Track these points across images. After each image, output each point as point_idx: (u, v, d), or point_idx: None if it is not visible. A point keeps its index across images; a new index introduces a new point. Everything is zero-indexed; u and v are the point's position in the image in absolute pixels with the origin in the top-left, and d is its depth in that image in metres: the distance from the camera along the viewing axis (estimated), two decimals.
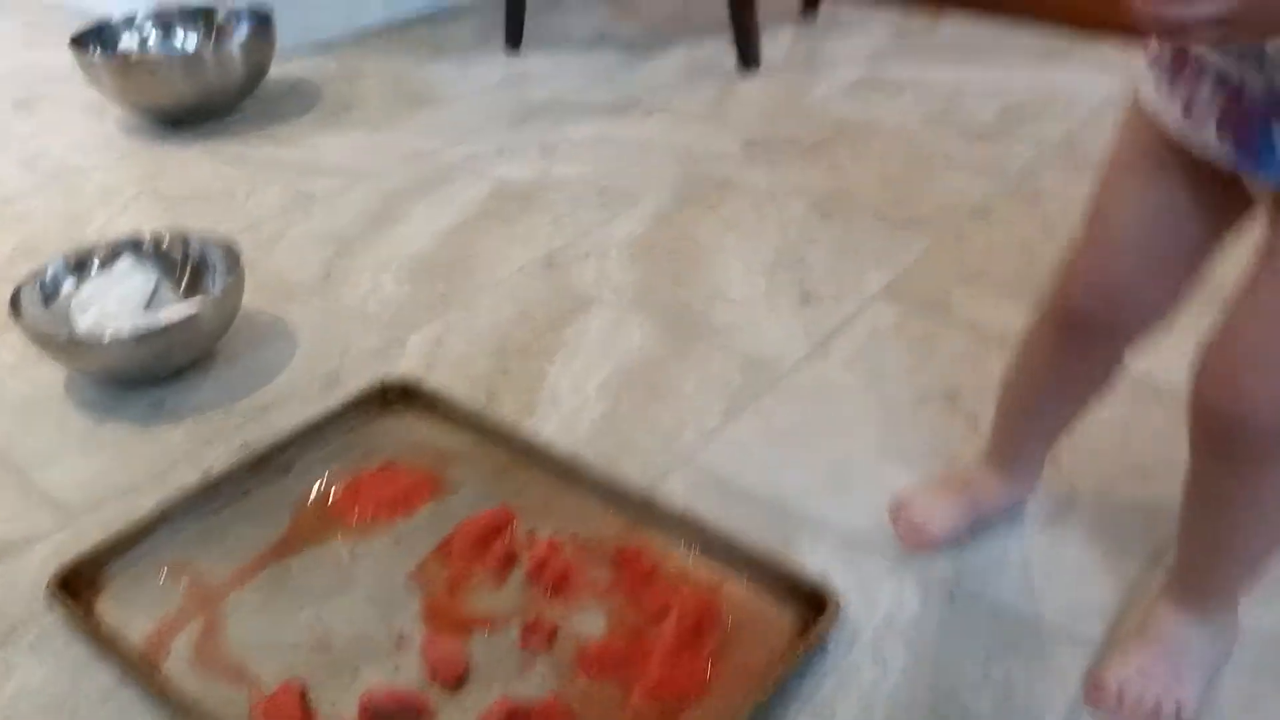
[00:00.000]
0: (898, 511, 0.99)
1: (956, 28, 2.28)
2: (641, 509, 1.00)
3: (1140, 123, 0.75)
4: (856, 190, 1.63)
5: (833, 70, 2.10)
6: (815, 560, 0.96)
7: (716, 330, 1.31)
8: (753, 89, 2.04)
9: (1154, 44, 0.73)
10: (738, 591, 0.91)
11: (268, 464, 1.08)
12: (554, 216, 1.60)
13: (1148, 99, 0.74)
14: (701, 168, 1.73)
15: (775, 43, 2.22)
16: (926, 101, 1.93)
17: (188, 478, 1.09)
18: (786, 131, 1.85)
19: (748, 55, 2.10)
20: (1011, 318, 1.29)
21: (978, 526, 0.98)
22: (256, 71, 1.97)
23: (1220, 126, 0.67)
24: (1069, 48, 2.14)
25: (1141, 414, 1.12)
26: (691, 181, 1.69)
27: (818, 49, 2.22)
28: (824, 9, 2.41)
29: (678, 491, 1.05)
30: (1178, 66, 0.69)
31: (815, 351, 1.26)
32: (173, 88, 1.88)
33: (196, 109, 1.92)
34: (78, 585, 0.94)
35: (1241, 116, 0.66)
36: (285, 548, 0.99)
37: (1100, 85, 1.96)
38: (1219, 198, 0.73)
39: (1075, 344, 0.86)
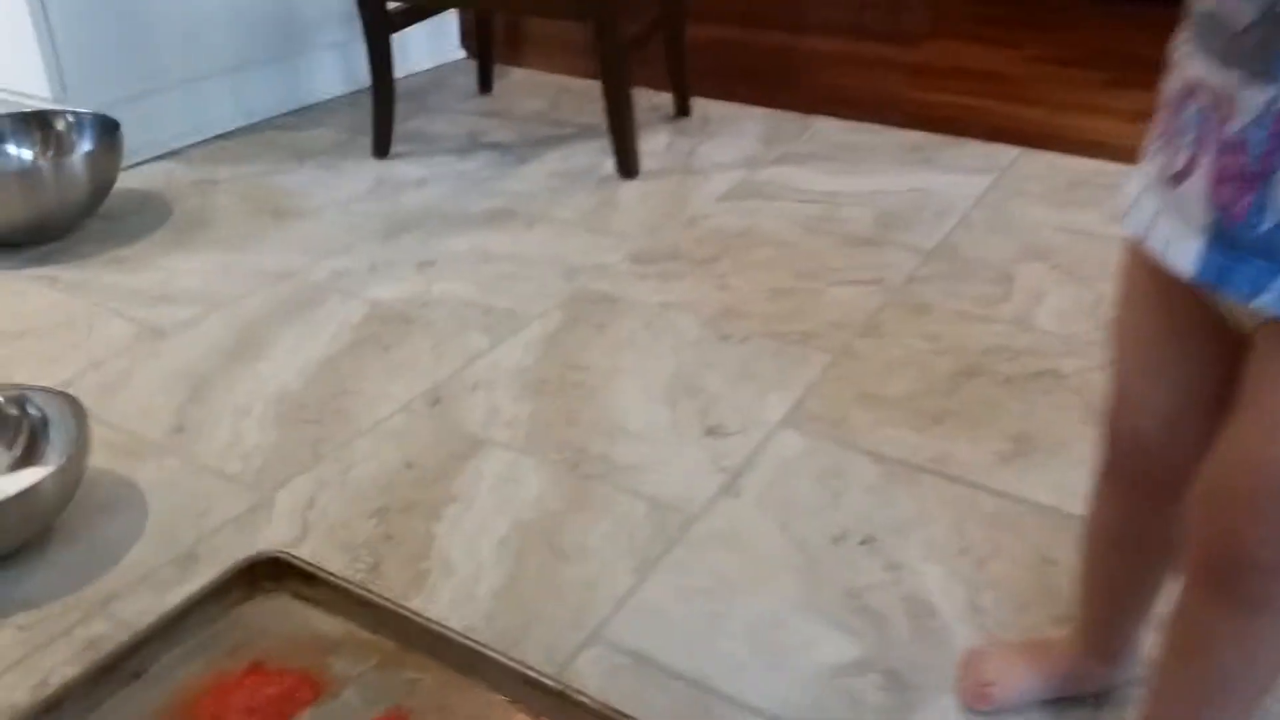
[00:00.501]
0: (968, 666, 0.92)
1: (825, 127, 2.28)
2: (555, 706, 0.89)
3: (1135, 259, 0.72)
4: (746, 306, 1.58)
5: (709, 176, 2.07)
6: None
7: (619, 471, 1.22)
8: (632, 196, 1.98)
9: (1157, 161, 0.67)
10: None
11: (116, 670, 0.93)
12: (435, 342, 1.50)
13: (1136, 227, 0.69)
14: (587, 283, 1.66)
15: (650, 145, 2.18)
16: (804, 208, 1.90)
17: (16, 694, 0.93)
18: (670, 242, 1.79)
19: (627, 164, 2.05)
20: (912, 446, 1.25)
21: (1062, 702, 0.90)
22: (102, 186, 1.82)
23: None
24: (936, 149, 2.16)
25: None
26: (578, 299, 1.61)
27: (693, 152, 2.19)
28: (695, 107, 2.39)
29: (592, 675, 0.94)
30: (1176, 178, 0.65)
31: (725, 489, 1.19)
32: (4, 206, 1.71)
33: (31, 230, 1.76)
34: None
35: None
36: None
37: (969, 186, 1.97)
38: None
39: (1132, 498, 0.81)
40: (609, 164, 2.08)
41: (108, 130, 1.86)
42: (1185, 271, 0.64)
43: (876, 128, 2.27)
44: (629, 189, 2.01)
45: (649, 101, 2.35)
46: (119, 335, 1.52)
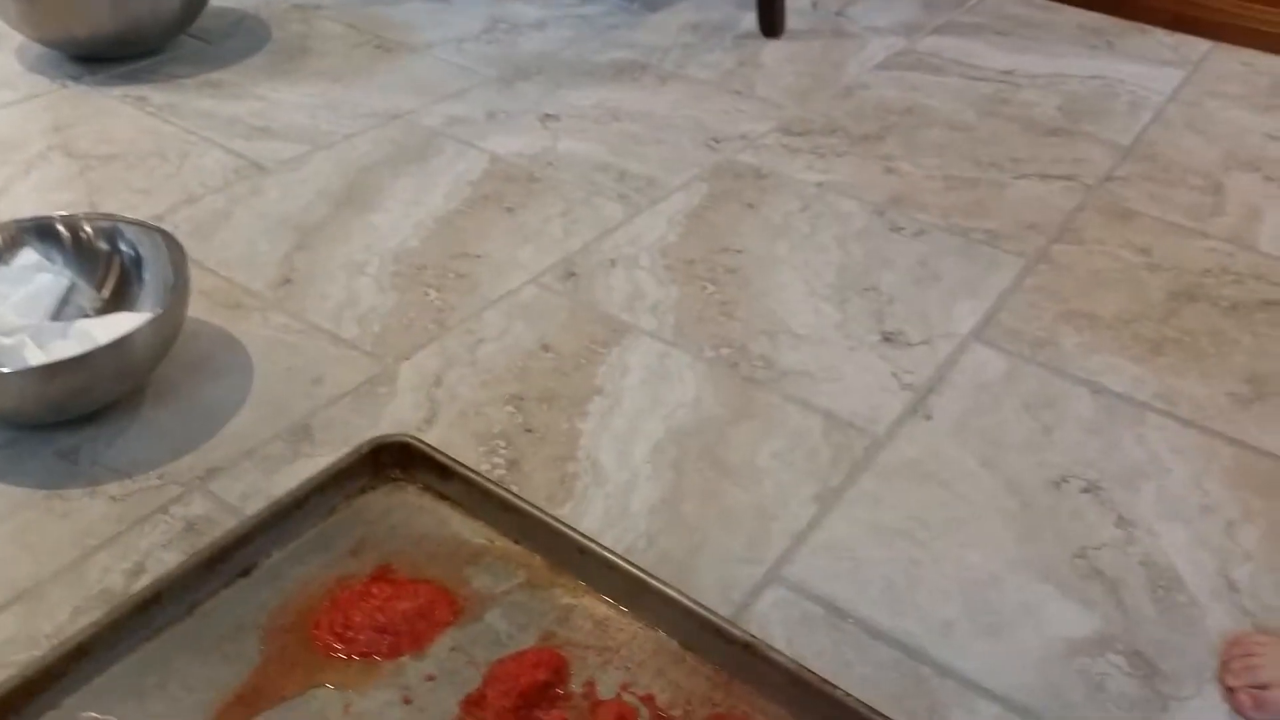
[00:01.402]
0: (1232, 659, 0.76)
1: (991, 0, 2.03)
2: (739, 657, 0.74)
3: None
4: (920, 195, 1.38)
5: (864, 41, 1.84)
6: None
7: (786, 377, 1.05)
8: (778, 58, 1.76)
9: None
10: None
11: (222, 564, 0.80)
12: (565, 206, 1.32)
13: None
14: (732, 154, 1.46)
15: (795, 3, 1.94)
16: (977, 86, 1.68)
17: (111, 577, 0.80)
18: (823, 114, 1.58)
19: (771, 19, 1.82)
20: (1133, 378, 1.07)
21: None
22: (191, 3, 1.63)
23: None
24: (1118, 34, 1.91)
25: None
26: (723, 171, 1.42)
27: (843, 12, 1.95)
28: None
29: (774, 621, 0.80)
30: None
31: (913, 411, 1.02)
32: (90, 15, 1.53)
33: (119, 43, 1.58)
34: None
35: None
36: (253, 697, 0.72)
37: (1159, 79, 1.73)
38: None
39: None
40: (749, 19, 1.85)
41: None
42: None
43: (1050, 3, 2.02)
44: (772, 49, 1.79)
45: None
46: (216, 168, 1.35)
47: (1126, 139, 1.53)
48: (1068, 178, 1.42)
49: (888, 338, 1.12)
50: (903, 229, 1.31)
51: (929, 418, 1.01)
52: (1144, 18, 1.97)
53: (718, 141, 1.50)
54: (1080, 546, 0.87)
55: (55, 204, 1.24)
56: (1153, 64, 1.80)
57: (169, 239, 1.02)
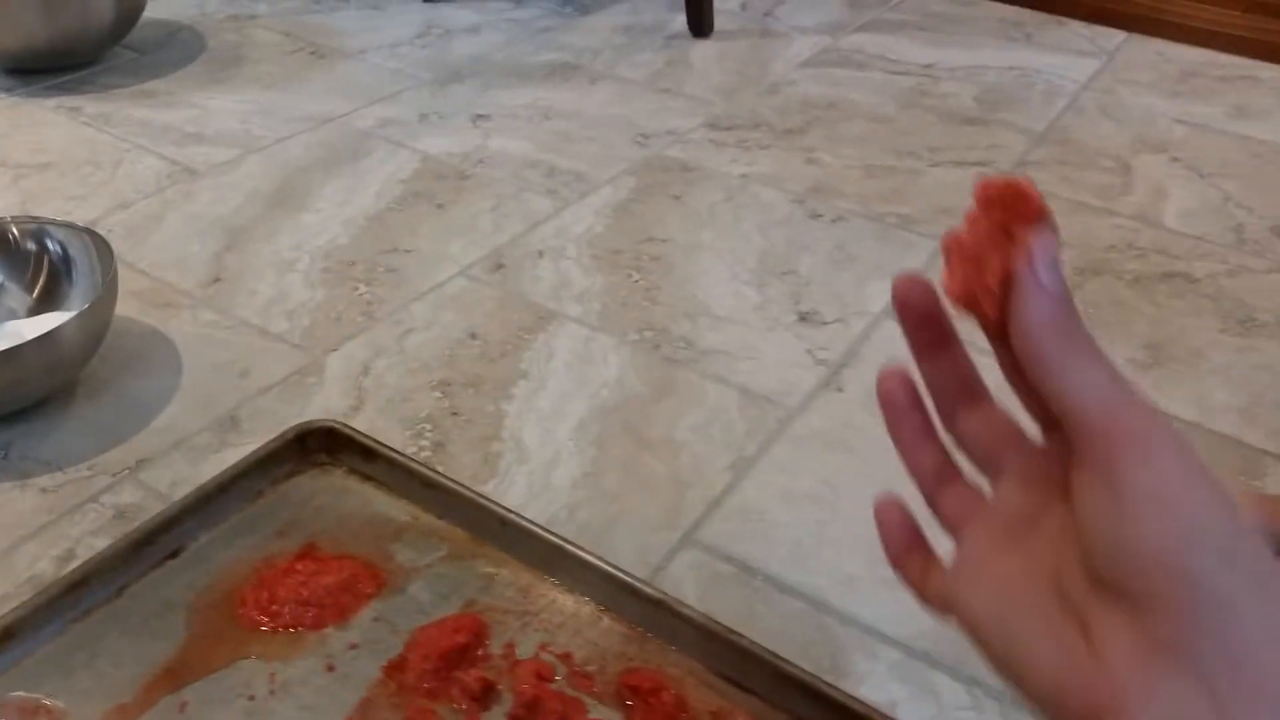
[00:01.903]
0: None
1: None
2: (652, 614, 0.78)
3: None
4: (839, 184, 1.43)
5: (790, 39, 1.89)
6: (875, 686, 0.76)
7: (706, 355, 1.09)
8: (706, 58, 1.81)
9: None
10: None
11: (150, 546, 0.82)
12: (495, 202, 1.35)
13: None
14: (660, 149, 1.50)
15: (724, 3, 1.99)
16: (898, 80, 1.73)
17: (40, 565, 0.82)
18: (749, 109, 1.63)
19: (700, 20, 1.87)
20: None
21: None
22: (128, 10, 1.65)
23: None
24: (1037, 27, 1.98)
25: None
26: (651, 165, 1.46)
27: (771, 13, 2.00)
28: None
29: (690, 582, 0.83)
30: None
31: (826, 384, 1.06)
32: (23, 26, 1.55)
33: (52, 55, 1.60)
34: None
35: None
36: (181, 671, 0.74)
37: (1075, 69, 1.80)
38: None
39: None
40: (679, 21, 1.90)
41: None
42: None
43: (970, 2, 2.08)
44: (701, 49, 1.84)
45: None
46: (149, 174, 1.37)
47: (1041, 125, 1.59)
48: (982, 164, 1.48)
49: (804, 317, 1.16)
50: (821, 216, 1.35)
51: (841, 390, 1.05)
52: (1062, 11, 2.04)
53: (646, 138, 1.53)
54: None
55: None
56: (1069, 54, 1.86)
57: (97, 239, 1.04)
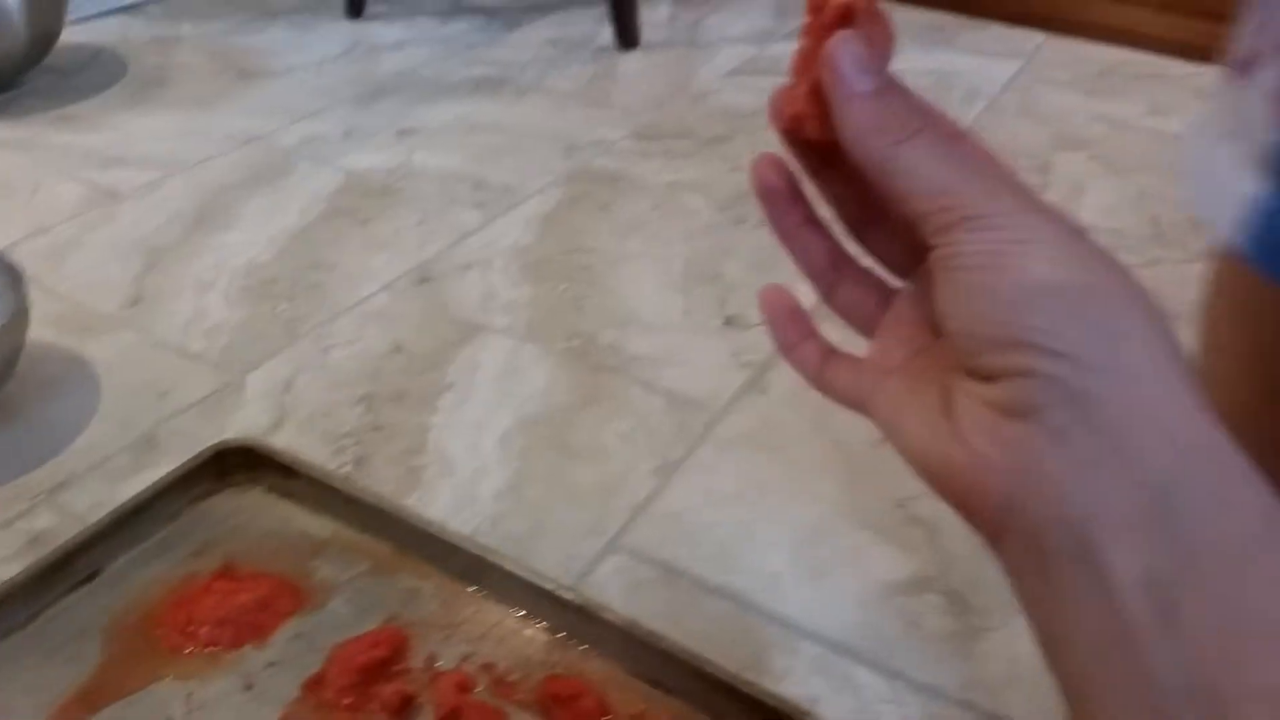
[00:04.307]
0: None
1: None
2: (574, 620, 0.78)
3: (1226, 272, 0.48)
4: None
5: (716, 50, 1.91)
6: (797, 682, 0.76)
7: (632, 362, 1.10)
8: (634, 69, 1.82)
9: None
10: None
11: (65, 570, 0.80)
12: (421, 216, 1.35)
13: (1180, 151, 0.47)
14: (588, 160, 1.51)
15: (652, 17, 2.01)
16: None
17: None
18: (676, 119, 1.64)
19: (627, 32, 1.88)
20: None
21: None
22: (43, 34, 1.62)
23: None
24: (957, 30, 2.02)
25: None
26: (579, 176, 1.46)
27: (698, 24, 2.02)
28: None
29: (615, 587, 0.83)
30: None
31: (750, 385, 1.07)
32: None
33: None
34: None
35: None
36: (95, 695, 0.73)
37: (994, 70, 1.84)
38: None
39: None
40: (606, 33, 1.91)
41: None
42: (1222, 225, 0.43)
43: (894, 5, 2.11)
44: (629, 61, 1.85)
45: None
46: (68, 198, 1.35)
47: (961, 126, 1.61)
48: None
49: (729, 321, 1.17)
50: (746, 221, 1.36)
51: (764, 392, 1.06)
52: (983, 14, 2.08)
53: (574, 149, 1.54)
54: (901, 497, 0.93)
55: None
56: (989, 56, 1.90)
57: (6, 264, 1.02)
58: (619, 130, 1.60)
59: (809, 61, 0.35)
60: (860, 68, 0.33)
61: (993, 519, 0.30)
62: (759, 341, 1.13)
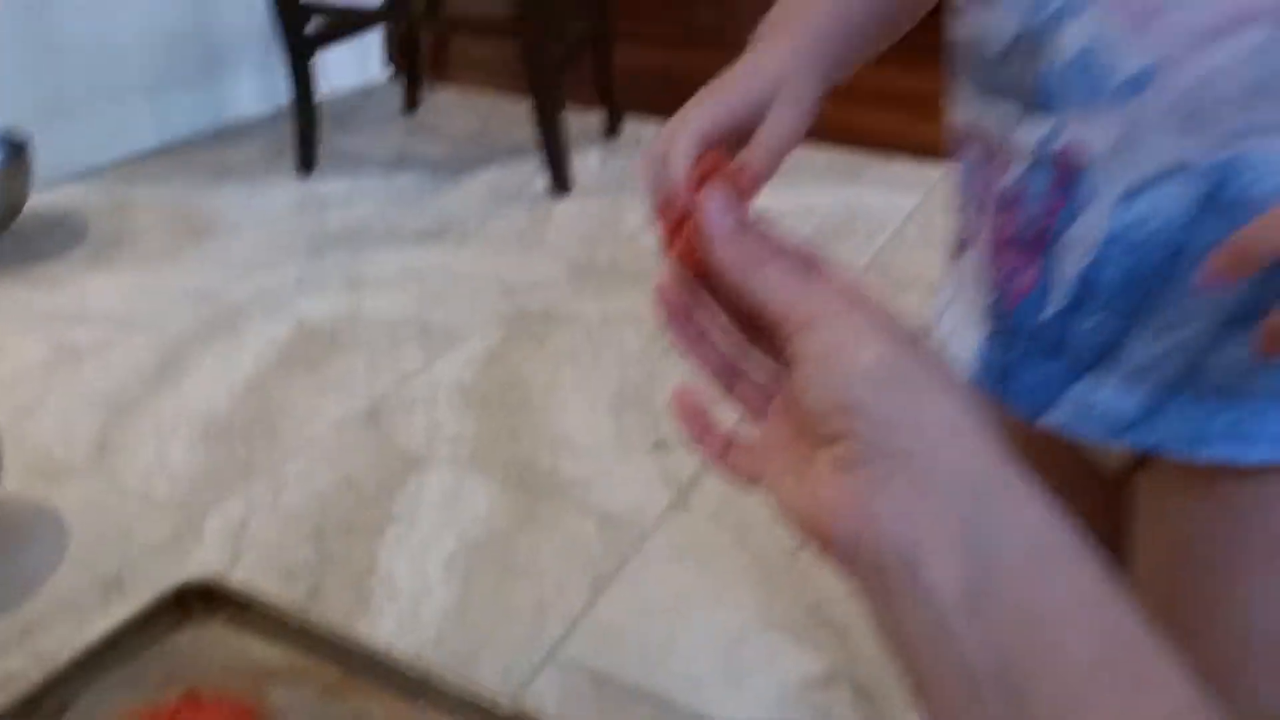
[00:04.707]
0: None
1: None
2: None
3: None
4: None
5: (644, 193, 2.05)
6: None
7: (567, 485, 1.18)
8: (567, 213, 1.95)
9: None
10: None
11: (37, 707, 0.86)
12: (369, 359, 1.44)
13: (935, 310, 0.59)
14: (525, 299, 1.62)
15: (584, 163, 2.15)
16: None
17: None
18: (607, 258, 1.77)
19: (560, 178, 2.02)
20: None
21: None
22: (10, 206, 1.73)
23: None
24: (865, 166, 2.18)
25: None
26: (517, 314, 1.57)
27: (626, 169, 2.17)
28: (628, 127, 2.38)
29: (551, 697, 0.90)
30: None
31: (676, 503, 1.16)
32: None
33: None
34: None
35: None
36: None
37: (900, 202, 1.99)
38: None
39: None
40: (541, 181, 2.05)
41: (16, 148, 1.77)
42: (962, 362, 0.53)
43: (807, 147, 2.28)
44: (563, 206, 1.98)
45: (581, 121, 2.32)
46: (34, 356, 1.43)
47: (864, 258, 1.76)
48: None
49: (658, 444, 1.26)
50: (673, 350, 1.47)
51: (689, 509, 1.15)
52: (890, 148, 2.25)
53: (512, 290, 1.65)
54: (814, 602, 1.01)
55: None
56: (894, 189, 2.05)
57: None
58: (554, 270, 1.72)
59: (685, 213, 0.45)
60: (722, 214, 0.41)
61: (845, 553, 0.39)
62: (685, 461, 1.23)
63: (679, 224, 0.46)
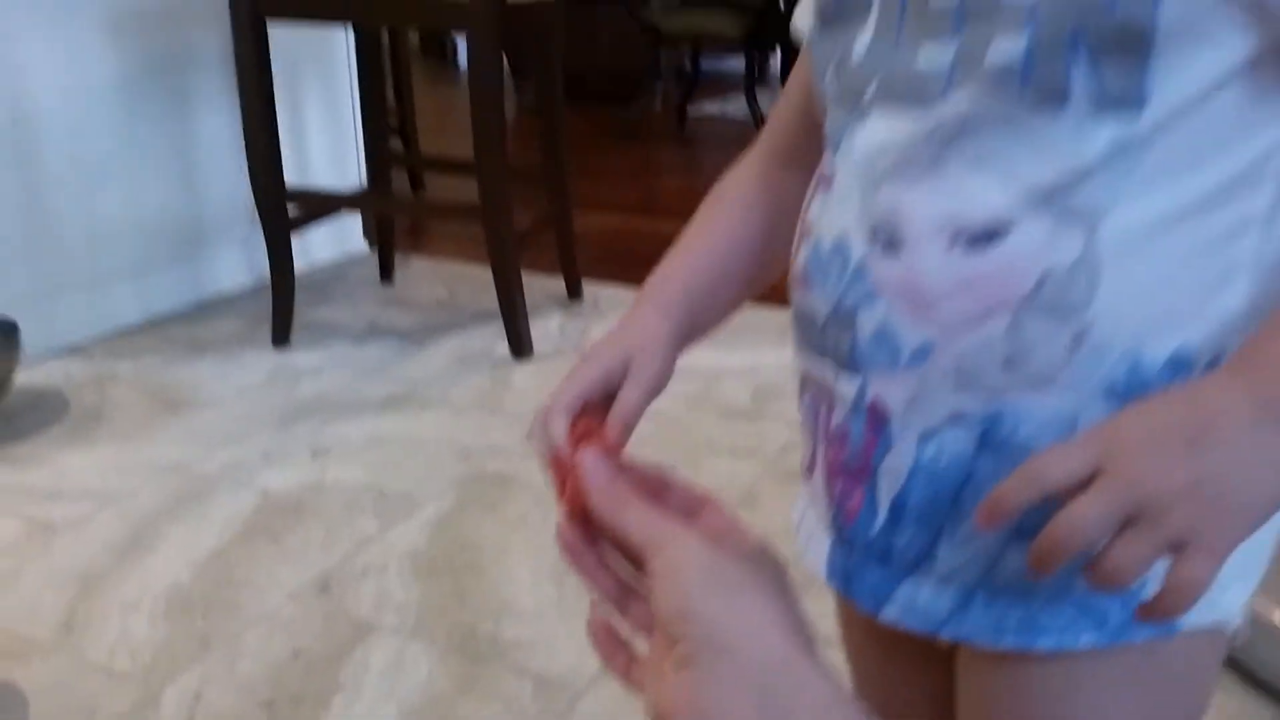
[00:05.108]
0: None
1: None
2: None
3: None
4: None
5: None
6: None
7: (506, 650, 1.25)
8: (526, 376, 2.07)
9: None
10: None
11: None
12: (327, 529, 1.53)
13: (794, 514, 0.67)
14: (481, 464, 1.71)
15: (545, 328, 2.28)
16: (688, 384, 2.01)
17: None
18: None
19: (519, 344, 2.14)
20: None
21: None
22: None
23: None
24: None
25: None
26: (472, 480, 1.67)
27: (585, 332, 2.29)
28: (587, 291, 2.51)
29: None
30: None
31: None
32: None
33: None
34: None
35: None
36: None
37: None
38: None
39: None
40: (503, 346, 2.17)
41: (5, 332, 1.89)
42: (818, 573, 0.61)
43: (756, 308, 2.41)
44: (523, 370, 2.10)
45: (543, 286, 2.46)
46: (8, 533, 1.52)
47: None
48: (750, 452, 1.73)
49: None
50: None
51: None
52: None
53: (469, 454, 1.75)
54: None
55: None
56: None
57: None
58: (510, 435, 1.81)
59: (568, 469, 0.55)
60: (594, 472, 0.51)
61: None
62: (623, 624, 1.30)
63: (564, 479, 0.56)
